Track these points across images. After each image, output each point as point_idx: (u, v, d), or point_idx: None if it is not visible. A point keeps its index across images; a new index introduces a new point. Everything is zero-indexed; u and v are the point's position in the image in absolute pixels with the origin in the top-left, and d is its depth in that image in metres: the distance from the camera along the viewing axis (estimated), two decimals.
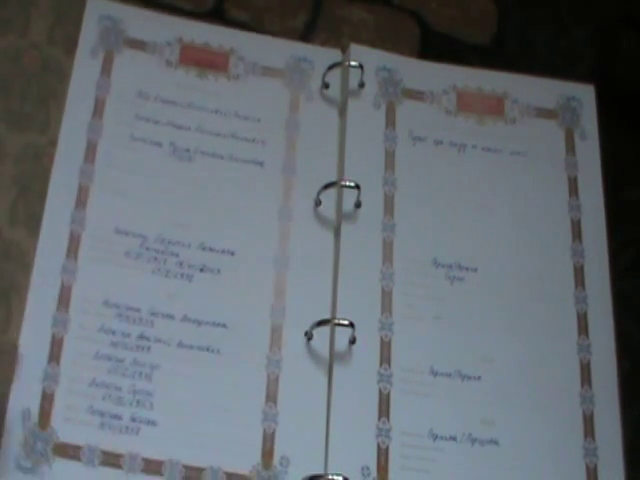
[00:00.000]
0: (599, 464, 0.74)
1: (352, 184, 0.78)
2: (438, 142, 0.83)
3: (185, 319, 0.74)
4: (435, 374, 0.75)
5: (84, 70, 0.80)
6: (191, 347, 0.73)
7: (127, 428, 0.70)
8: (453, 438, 0.74)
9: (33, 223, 0.75)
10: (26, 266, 0.73)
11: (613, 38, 0.93)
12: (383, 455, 0.72)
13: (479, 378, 0.76)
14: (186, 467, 0.70)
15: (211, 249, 0.76)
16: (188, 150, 0.80)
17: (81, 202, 0.76)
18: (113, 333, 0.73)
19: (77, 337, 0.72)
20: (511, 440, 0.74)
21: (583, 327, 0.78)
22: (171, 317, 0.74)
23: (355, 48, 0.84)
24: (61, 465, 0.68)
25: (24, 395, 0.69)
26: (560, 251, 0.81)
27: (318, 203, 0.79)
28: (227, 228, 0.77)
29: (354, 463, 0.71)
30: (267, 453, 0.71)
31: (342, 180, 0.79)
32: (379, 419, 0.73)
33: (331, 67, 0.83)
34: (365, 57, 0.84)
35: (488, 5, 0.92)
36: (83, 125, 0.78)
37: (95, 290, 0.74)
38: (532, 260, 0.80)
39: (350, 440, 0.72)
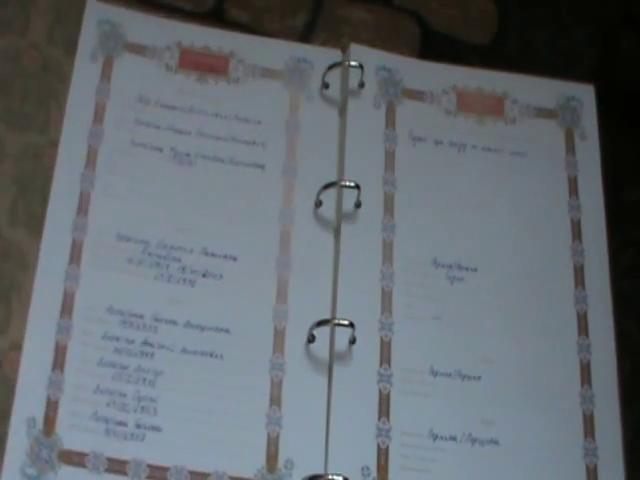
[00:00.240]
0: (599, 464, 0.74)
1: (352, 184, 0.78)
2: (438, 142, 0.83)
3: (188, 325, 0.74)
4: (435, 374, 0.75)
5: (84, 74, 0.80)
6: (195, 353, 0.73)
7: (132, 434, 0.70)
8: (453, 438, 0.74)
9: (33, 223, 0.75)
10: (26, 266, 0.73)
11: (613, 38, 0.93)
12: (383, 455, 0.72)
13: (479, 378, 0.76)
14: (191, 472, 0.70)
15: (213, 254, 0.76)
16: (188, 154, 0.79)
17: (83, 209, 0.76)
18: (117, 340, 0.73)
19: (81, 344, 0.72)
20: (511, 440, 0.74)
21: (583, 327, 0.78)
22: (174, 323, 0.74)
23: (355, 48, 0.84)
24: (66, 472, 0.68)
25: (29, 402, 0.69)
26: (560, 251, 0.81)
27: (318, 204, 0.79)
28: (229, 232, 0.77)
29: (354, 463, 0.71)
30: (271, 457, 0.71)
31: (342, 180, 0.79)
32: (379, 419, 0.73)
33: (331, 67, 0.83)
34: (365, 57, 0.83)
35: (488, 5, 0.92)
36: (84, 131, 0.78)
37: (98, 297, 0.73)
38: (532, 260, 0.80)
39: (350, 440, 0.72)
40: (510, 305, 0.78)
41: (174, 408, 0.71)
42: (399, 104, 0.84)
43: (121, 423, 0.70)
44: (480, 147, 0.84)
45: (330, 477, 0.70)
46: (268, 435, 0.71)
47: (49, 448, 0.68)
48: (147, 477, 0.69)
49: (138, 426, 0.70)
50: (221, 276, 0.76)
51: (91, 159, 0.77)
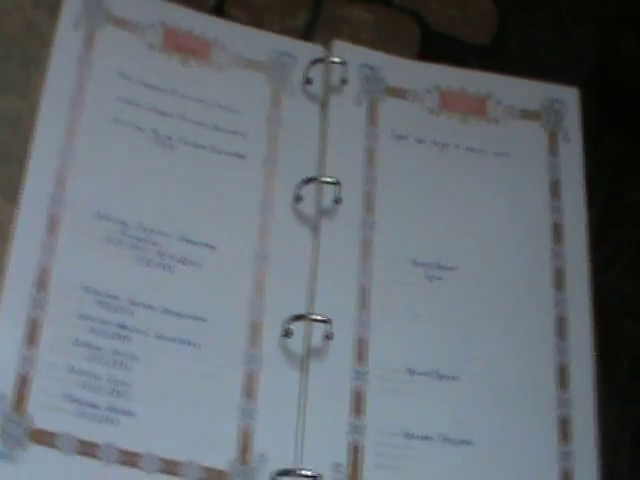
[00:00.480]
0: (574, 467, 0.74)
1: (332, 180, 0.78)
2: (420, 141, 0.83)
3: (166, 311, 0.72)
4: (412, 373, 0.75)
5: (66, 41, 0.78)
6: (172, 340, 0.72)
7: (105, 418, 0.68)
8: (428, 437, 0.73)
9: (10, 190, 0.72)
10: (2, 234, 0.70)
11: (613, 38, 0.94)
12: (356, 452, 0.71)
13: (457, 378, 0.75)
14: (163, 460, 0.68)
15: (192, 242, 0.75)
16: (170, 138, 0.78)
17: (61, 182, 0.73)
18: (93, 320, 0.70)
19: (56, 321, 0.69)
20: (486, 441, 0.74)
21: (561, 329, 0.78)
22: (152, 308, 0.72)
23: (338, 44, 0.84)
24: (37, 452, 0.65)
25: None
26: (540, 252, 0.81)
27: (299, 199, 0.78)
28: (208, 220, 0.76)
29: (326, 459, 0.70)
30: (244, 449, 0.70)
31: (322, 176, 0.78)
32: (353, 416, 0.72)
33: (314, 62, 0.83)
34: (348, 54, 0.83)
35: (488, 5, 0.93)
36: (64, 100, 0.76)
37: (75, 274, 0.71)
38: (512, 260, 0.80)
39: (323, 436, 0.71)
40: (489, 305, 0.78)
41: (148, 394, 0.70)
42: (382, 102, 0.84)
43: (94, 405, 0.68)
44: (462, 147, 0.84)
45: (301, 472, 0.69)
46: (241, 427, 0.70)
47: (20, 426, 0.66)
48: (118, 461, 0.67)
49: (111, 410, 0.68)
50: (200, 264, 0.75)
51: (71, 131, 0.75)
